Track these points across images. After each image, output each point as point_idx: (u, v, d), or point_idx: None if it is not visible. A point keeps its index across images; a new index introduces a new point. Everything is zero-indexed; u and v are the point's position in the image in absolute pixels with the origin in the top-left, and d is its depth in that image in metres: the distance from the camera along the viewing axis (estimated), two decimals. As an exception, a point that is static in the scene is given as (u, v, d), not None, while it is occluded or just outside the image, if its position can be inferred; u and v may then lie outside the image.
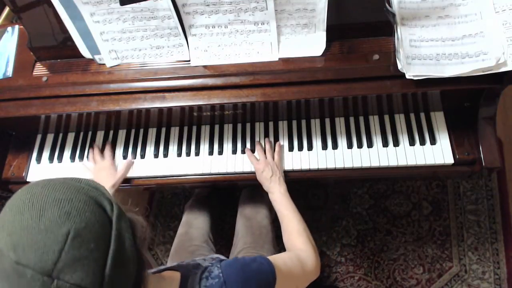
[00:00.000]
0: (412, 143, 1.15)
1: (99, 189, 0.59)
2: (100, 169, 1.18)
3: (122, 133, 1.28)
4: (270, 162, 1.12)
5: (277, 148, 1.16)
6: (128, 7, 0.97)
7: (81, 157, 1.25)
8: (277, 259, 0.82)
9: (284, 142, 1.20)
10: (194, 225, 1.33)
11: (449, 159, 1.12)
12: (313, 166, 1.16)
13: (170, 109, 1.14)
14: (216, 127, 1.24)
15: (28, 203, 0.52)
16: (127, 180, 1.23)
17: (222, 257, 0.92)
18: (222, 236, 1.80)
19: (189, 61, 1.07)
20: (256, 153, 1.17)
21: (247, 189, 1.43)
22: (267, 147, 1.17)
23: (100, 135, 1.28)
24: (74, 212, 0.52)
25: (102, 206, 0.56)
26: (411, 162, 1.13)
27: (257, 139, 1.21)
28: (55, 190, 0.54)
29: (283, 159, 1.17)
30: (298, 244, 0.95)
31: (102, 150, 1.24)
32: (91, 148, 1.24)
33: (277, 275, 0.77)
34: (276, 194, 1.07)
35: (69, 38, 1.06)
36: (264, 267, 0.77)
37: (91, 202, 0.55)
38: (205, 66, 1.06)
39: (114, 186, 1.13)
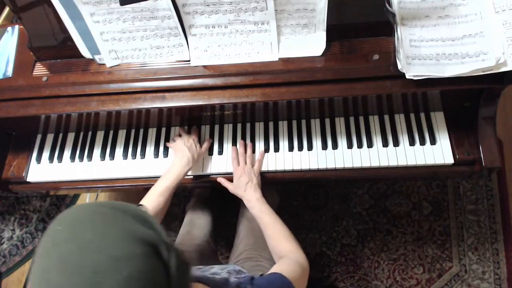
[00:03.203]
0: (412, 143, 1.15)
1: (153, 227, 0.51)
2: (187, 139, 1.15)
3: (122, 133, 1.28)
4: (248, 169, 1.12)
5: (259, 157, 1.17)
6: (128, 7, 0.97)
7: (81, 157, 1.25)
8: (289, 273, 0.84)
9: (284, 142, 1.20)
10: (196, 225, 1.33)
11: (449, 159, 1.12)
12: (313, 166, 1.16)
13: (170, 109, 1.14)
14: (216, 127, 1.24)
15: (78, 260, 0.44)
16: (126, 181, 1.23)
17: (243, 270, 0.92)
18: (222, 236, 1.80)
19: (189, 61, 1.07)
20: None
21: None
22: (248, 152, 1.17)
23: (100, 135, 1.28)
24: (135, 274, 0.44)
25: (160, 254, 0.49)
26: (411, 162, 1.13)
27: (257, 139, 1.21)
28: (108, 240, 0.46)
29: (273, 162, 1.17)
30: (290, 249, 0.96)
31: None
32: (194, 129, 1.22)
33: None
34: (253, 202, 1.07)
35: (69, 38, 1.06)
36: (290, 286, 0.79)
37: (149, 253, 0.47)
38: (205, 66, 1.06)
39: (193, 160, 1.12)
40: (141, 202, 1.02)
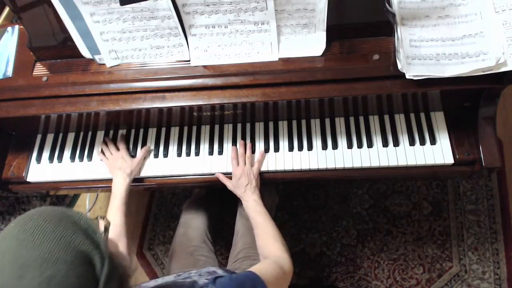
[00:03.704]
0: (412, 143, 1.15)
1: (95, 239, 0.55)
2: (116, 158, 1.19)
3: (122, 133, 1.28)
4: (247, 170, 1.13)
5: (259, 157, 1.17)
6: (128, 7, 0.97)
7: (81, 157, 1.25)
8: (264, 271, 0.83)
9: (284, 142, 1.20)
10: (191, 225, 1.33)
11: (449, 159, 1.12)
12: (313, 166, 1.16)
13: (170, 109, 1.14)
14: (216, 127, 1.24)
15: (12, 255, 0.49)
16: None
17: (218, 270, 0.92)
18: (222, 236, 1.80)
19: (189, 61, 1.07)
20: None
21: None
22: (248, 153, 1.17)
23: (100, 135, 1.28)
24: (58, 277, 0.48)
25: (92, 264, 0.52)
26: (411, 162, 1.13)
27: (257, 139, 1.21)
28: (44, 241, 0.50)
29: (273, 162, 1.17)
30: (274, 250, 0.96)
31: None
32: (102, 143, 1.25)
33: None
34: (250, 202, 1.08)
35: (69, 38, 1.06)
36: (257, 285, 0.78)
37: (79, 261, 0.51)
38: (205, 66, 1.06)
39: (131, 174, 1.16)
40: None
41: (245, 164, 1.15)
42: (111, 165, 1.20)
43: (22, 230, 0.52)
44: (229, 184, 1.15)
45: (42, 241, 0.50)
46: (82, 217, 0.57)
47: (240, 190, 1.11)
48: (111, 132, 1.28)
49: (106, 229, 0.62)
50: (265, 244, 1.00)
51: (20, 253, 0.49)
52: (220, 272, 0.89)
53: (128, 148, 1.24)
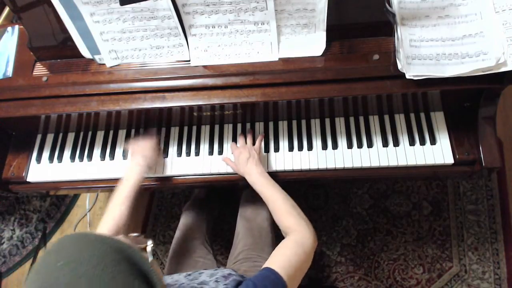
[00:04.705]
0: (412, 143, 1.15)
1: (153, 282, 0.54)
2: (146, 144, 1.14)
3: (122, 133, 1.28)
4: (248, 146, 1.13)
5: (259, 137, 1.17)
6: (128, 7, 0.97)
7: (81, 157, 1.25)
8: (282, 262, 0.81)
9: (284, 142, 1.20)
10: (190, 227, 1.33)
11: (449, 159, 1.12)
12: (313, 166, 1.16)
13: (170, 109, 1.14)
14: (216, 127, 1.24)
15: None
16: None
17: (233, 272, 0.89)
18: (222, 236, 1.80)
19: (189, 61, 1.07)
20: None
21: (248, 190, 1.42)
22: (248, 135, 1.18)
23: (100, 135, 1.28)
24: None
25: None
26: (411, 162, 1.13)
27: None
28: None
29: (274, 159, 1.18)
30: (290, 225, 0.92)
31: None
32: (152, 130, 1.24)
33: (288, 283, 0.77)
34: (254, 176, 1.05)
35: (69, 38, 1.06)
36: (278, 286, 0.76)
37: None
38: (205, 66, 1.06)
39: (149, 170, 1.14)
40: (104, 215, 0.99)
41: (246, 143, 1.15)
42: (137, 149, 1.13)
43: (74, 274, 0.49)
44: (232, 165, 1.13)
45: None
46: (136, 256, 0.54)
47: (243, 167, 1.08)
48: (111, 132, 1.28)
49: (151, 253, 0.60)
50: (280, 219, 0.96)
51: None
52: (235, 274, 0.88)
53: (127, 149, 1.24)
